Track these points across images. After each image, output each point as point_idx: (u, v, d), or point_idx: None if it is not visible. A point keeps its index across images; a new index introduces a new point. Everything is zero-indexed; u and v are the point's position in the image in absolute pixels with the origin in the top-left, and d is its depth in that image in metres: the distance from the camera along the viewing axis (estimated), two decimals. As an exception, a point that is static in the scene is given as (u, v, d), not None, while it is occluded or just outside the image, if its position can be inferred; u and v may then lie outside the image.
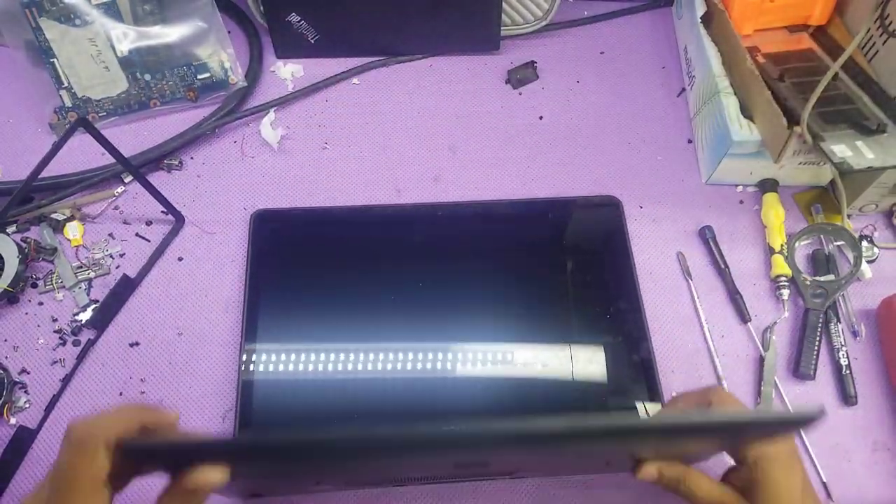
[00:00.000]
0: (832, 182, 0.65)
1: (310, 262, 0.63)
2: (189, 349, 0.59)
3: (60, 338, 0.59)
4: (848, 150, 0.57)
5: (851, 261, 0.63)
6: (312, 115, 0.73)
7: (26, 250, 0.61)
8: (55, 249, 0.63)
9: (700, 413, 0.40)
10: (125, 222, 0.65)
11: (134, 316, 0.61)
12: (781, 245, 0.63)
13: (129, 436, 0.34)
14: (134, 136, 0.70)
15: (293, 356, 0.56)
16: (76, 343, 0.59)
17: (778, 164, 0.62)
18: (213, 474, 0.33)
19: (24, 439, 0.55)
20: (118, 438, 0.33)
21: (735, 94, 0.64)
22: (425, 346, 0.57)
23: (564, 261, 0.63)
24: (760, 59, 0.66)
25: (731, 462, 0.45)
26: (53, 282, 0.62)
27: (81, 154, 0.67)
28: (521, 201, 0.67)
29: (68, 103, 0.69)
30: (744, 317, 0.61)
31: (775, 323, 0.61)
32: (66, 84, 0.68)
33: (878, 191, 0.62)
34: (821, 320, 0.59)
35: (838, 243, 0.64)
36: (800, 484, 0.43)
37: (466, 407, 0.55)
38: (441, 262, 0.63)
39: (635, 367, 0.57)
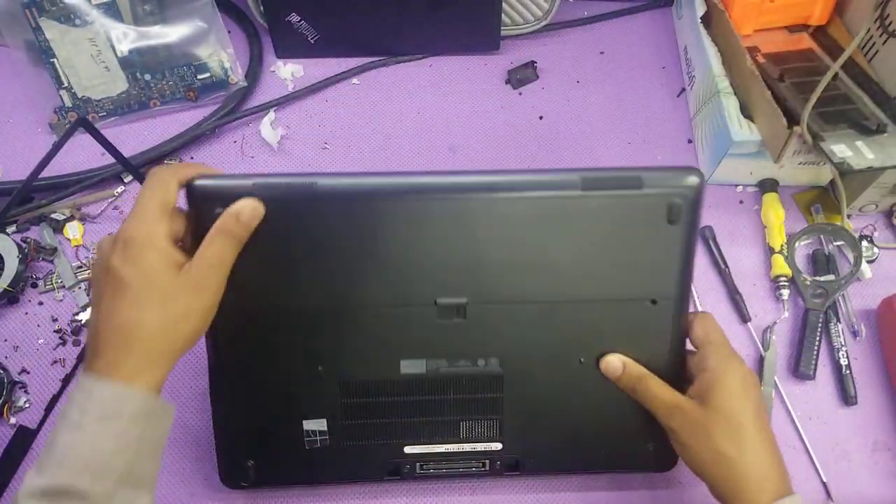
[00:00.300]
0: (832, 182, 0.65)
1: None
2: (189, 350, 0.58)
3: (60, 338, 0.59)
4: (848, 150, 0.57)
5: (851, 261, 0.63)
6: (312, 116, 0.73)
7: (26, 250, 0.61)
8: (55, 249, 0.63)
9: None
10: (125, 222, 0.65)
11: (134, 316, 0.61)
12: (781, 245, 0.63)
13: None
14: (134, 136, 0.70)
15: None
16: (76, 343, 0.59)
17: (778, 164, 0.62)
18: (253, 202, 0.41)
19: (24, 439, 0.55)
20: (187, 178, 0.42)
21: (735, 94, 0.64)
22: None
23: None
24: (760, 59, 0.66)
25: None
26: (53, 282, 0.62)
27: (81, 154, 0.67)
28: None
29: (68, 103, 0.69)
30: (744, 317, 0.61)
31: (775, 323, 0.61)
32: (66, 84, 0.68)
33: (877, 191, 0.62)
34: (821, 320, 0.59)
35: (838, 243, 0.64)
36: (755, 401, 0.44)
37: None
38: None
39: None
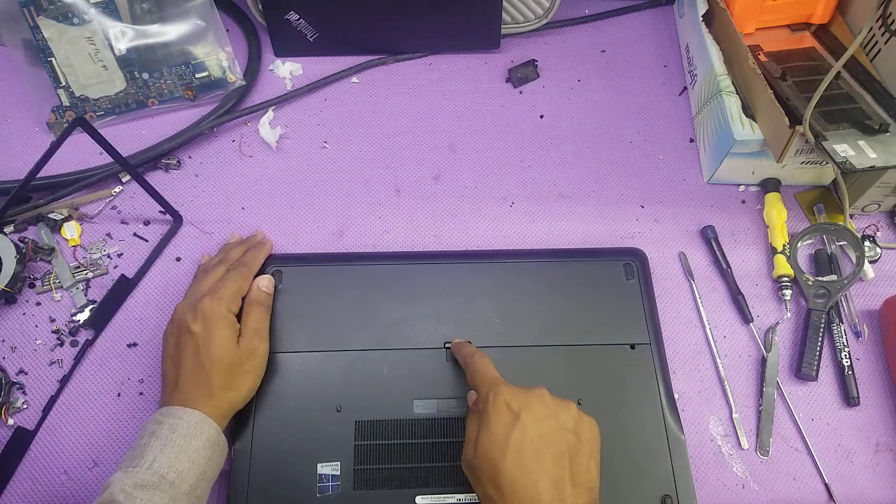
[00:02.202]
0: (834, 182, 0.65)
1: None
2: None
3: (58, 338, 0.59)
4: (850, 149, 0.56)
5: (854, 261, 0.62)
6: (311, 114, 0.72)
7: (24, 250, 0.60)
8: (53, 249, 0.62)
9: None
10: (123, 222, 0.65)
11: (132, 316, 0.60)
12: (784, 245, 0.63)
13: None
14: (132, 136, 0.69)
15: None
16: (74, 343, 0.59)
17: (780, 163, 0.62)
18: (267, 277, 0.57)
19: (21, 440, 0.55)
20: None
21: (737, 93, 0.64)
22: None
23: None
24: (762, 58, 0.66)
25: None
26: (51, 282, 0.61)
27: (79, 153, 0.67)
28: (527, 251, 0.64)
29: (66, 102, 0.69)
30: (746, 317, 0.61)
31: (777, 323, 0.60)
32: (63, 83, 0.68)
33: (880, 190, 0.61)
34: (823, 321, 0.59)
35: (841, 243, 0.64)
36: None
37: None
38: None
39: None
